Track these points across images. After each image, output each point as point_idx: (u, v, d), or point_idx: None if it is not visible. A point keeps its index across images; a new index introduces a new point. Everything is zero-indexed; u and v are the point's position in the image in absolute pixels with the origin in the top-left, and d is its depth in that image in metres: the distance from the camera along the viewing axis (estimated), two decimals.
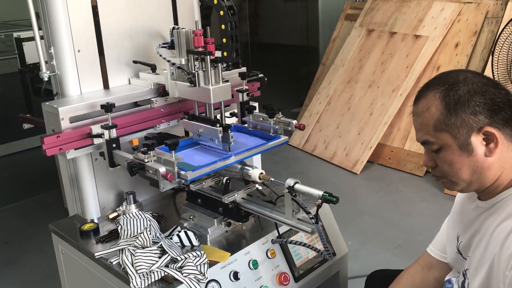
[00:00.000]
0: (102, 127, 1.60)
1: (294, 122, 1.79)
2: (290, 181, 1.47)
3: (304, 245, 1.65)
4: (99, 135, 1.61)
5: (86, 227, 1.77)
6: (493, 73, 3.48)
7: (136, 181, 1.90)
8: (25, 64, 2.95)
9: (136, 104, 1.81)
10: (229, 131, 1.61)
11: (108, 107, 1.58)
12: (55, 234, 1.83)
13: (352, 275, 2.64)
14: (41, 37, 1.73)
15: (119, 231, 1.68)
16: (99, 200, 1.84)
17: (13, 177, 4.49)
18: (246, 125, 1.88)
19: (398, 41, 4.59)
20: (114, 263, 1.56)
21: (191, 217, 1.76)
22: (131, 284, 1.45)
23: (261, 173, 1.57)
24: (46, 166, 4.01)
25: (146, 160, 1.52)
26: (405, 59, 4.45)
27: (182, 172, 1.51)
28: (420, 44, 4.39)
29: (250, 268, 1.61)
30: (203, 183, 1.73)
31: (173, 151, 1.51)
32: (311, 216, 1.43)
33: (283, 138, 1.78)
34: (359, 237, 3.25)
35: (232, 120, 1.95)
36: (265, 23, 8.83)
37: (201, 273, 1.49)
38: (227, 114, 2.08)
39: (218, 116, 1.71)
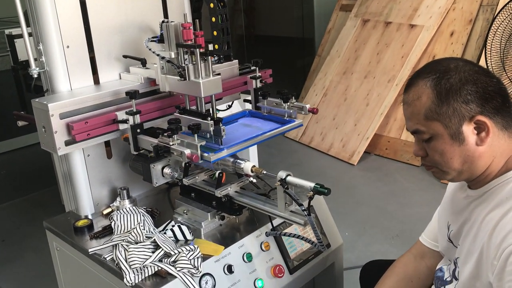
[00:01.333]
0: (127, 113, 1.64)
1: (308, 106, 1.82)
2: (282, 174, 1.46)
3: (298, 237, 1.65)
4: (125, 121, 1.66)
5: (80, 223, 1.77)
6: (486, 61, 3.47)
7: (130, 176, 1.90)
8: (18, 61, 2.92)
9: (155, 92, 1.83)
10: (221, 125, 1.61)
11: (133, 94, 1.62)
12: (49, 231, 1.83)
13: (350, 265, 2.65)
14: (30, 34, 1.72)
15: (113, 226, 1.67)
16: (92, 196, 1.84)
17: (9, 175, 4.49)
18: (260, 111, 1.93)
19: (393, 31, 4.58)
20: (108, 258, 1.56)
21: (185, 211, 1.75)
22: (124, 280, 1.45)
23: (253, 166, 1.56)
24: (42, 163, 4.01)
25: (171, 143, 1.54)
26: (400, 49, 4.43)
27: (205, 154, 1.53)
28: (415, 33, 4.38)
29: (244, 261, 1.61)
30: (196, 177, 1.72)
31: (195, 134, 1.53)
32: (303, 208, 1.43)
33: (298, 121, 1.82)
34: (356, 227, 3.26)
35: (226, 113, 1.95)
36: (260, 15, 8.79)
37: (195, 267, 1.48)
38: (224, 106, 2.07)
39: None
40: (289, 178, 1.45)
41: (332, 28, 5.50)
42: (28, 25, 1.71)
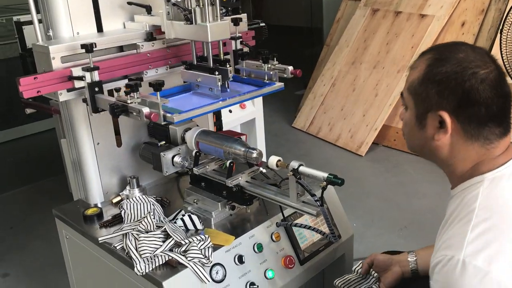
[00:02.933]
0: (83, 69, 1.52)
1: (290, 68, 1.73)
2: (294, 164, 1.45)
3: (309, 228, 1.64)
4: (80, 78, 1.52)
5: (90, 211, 1.76)
6: (501, 51, 3.42)
7: (140, 165, 1.89)
8: (26, 48, 2.91)
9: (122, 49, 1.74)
10: (228, 65, 1.56)
11: (88, 47, 1.49)
12: (58, 219, 1.83)
13: (357, 257, 2.64)
14: (39, 21, 1.69)
15: (123, 215, 1.66)
16: (102, 185, 1.83)
17: (17, 162, 4.49)
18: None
19: (403, 21, 4.51)
20: (118, 247, 1.55)
21: (195, 201, 1.74)
22: (135, 269, 1.44)
23: (279, 160, 1.53)
24: (50, 151, 4.01)
25: (129, 102, 1.44)
26: (410, 39, 4.38)
27: (168, 115, 1.45)
28: (426, 23, 4.31)
29: (255, 252, 1.60)
30: (207, 167, 1.71)
31: (158, 92, 1.43)
32: (316, 199, 1.41)
33: (278, 84, 1.71)
34: (365, 219, 3.24)
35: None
36: (269, 4, 8.72)
37: (206, 257, 1.47)
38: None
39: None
40: (302, 168, 1.44)
41: (341, 18, 5.44)
42: (37, 11, 1.68)
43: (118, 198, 1.83)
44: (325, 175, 1.38)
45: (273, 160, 1.53)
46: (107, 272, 1.63)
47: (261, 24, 1.93)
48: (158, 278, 1.41)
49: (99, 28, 1.75)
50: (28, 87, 1.44)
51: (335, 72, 4.87)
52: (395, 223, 3.17)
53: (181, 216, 1.65)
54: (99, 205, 1.82)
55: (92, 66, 1.51)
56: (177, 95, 1.69)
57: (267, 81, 1.71)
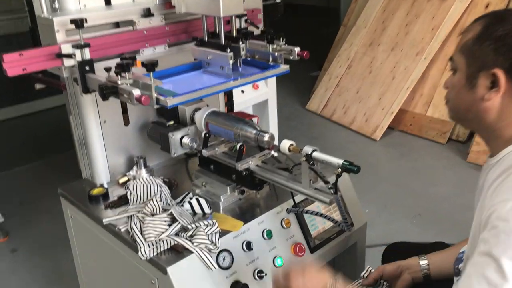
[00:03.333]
0: (73, 46, 1.44)
1: (297, 49, 1.63)
2: (307, 149, 1.37)
3: (321, 215, 1.57)
4: (69, 55, 1.43)
5: (95, 191, 1.72)
6: None
7: (147, 145, 1.83)
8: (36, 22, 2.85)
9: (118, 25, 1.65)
10: (240, 43, 1.47)
11: (78, 23, 1.39)
12: (64, 198, 1.78)
13: (369, 243, 2.58)
14: None
15: (128, 196, 1.61)
16: (108, 164, 1.77)
17: (28, 138, 4.48)
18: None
19: (424, 2, 4.36)
20: (122, 230, 1.50)
21: (203, 183, 1.68)
22: (139, 253, 1.39)
23: (291, 144, 1.45)
24: (60, 127, 3.97)
25: (119, 82, 1.35)
26: (430, 21, 4.23)
27: (161, 98, 1.36)
28: (448, 5, 4.16)
29: (264, 238, 1.54)
30: (216, 149, 1.64)
31: (151, 73, 1.34)
32: (329, 186, 1.34)
33: (283, 67, 1.61)
34: (377, 205, 3.17)
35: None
36: None
37: (213, 242, 1.42)
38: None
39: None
40: (316, 154, 1.36)
41: None
42: None
43: (125, 179, 1.78)
44: (340, 161, 1.31)
45: (286, 144, 1.46)
46: (111, 255, 1.59)
47: (277, 1, 1.83)
48: (162, 263, 1.36)
49: (107, 1, 1.68)
50: (12, 64, 1.37)
51: (351, 53, 4.75)
52: (409, 210, 3.09)
53: (189, 199, 1.59)
54: (105, 185, 1.77)
55: (82, 43, 1.42)
56: (186, 73, 1.62)
57: (272, 63, 1.61)
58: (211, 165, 1.68)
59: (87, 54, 1.44)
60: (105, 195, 1.71)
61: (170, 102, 1.34)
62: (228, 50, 1.44)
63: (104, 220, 1.54)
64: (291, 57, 1.62)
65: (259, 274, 1.48)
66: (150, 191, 1.62)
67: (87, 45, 1.43)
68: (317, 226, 1.67)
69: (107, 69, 1.39)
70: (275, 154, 1.75)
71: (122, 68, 1.34)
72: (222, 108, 2.05)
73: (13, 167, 3.88)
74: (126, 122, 1.79)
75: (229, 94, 2.09)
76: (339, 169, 1.30)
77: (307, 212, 1.58)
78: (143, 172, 1.74)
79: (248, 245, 1.48)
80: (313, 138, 4.26)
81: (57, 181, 1.86)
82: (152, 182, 1.66)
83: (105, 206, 1.65)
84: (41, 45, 1.52)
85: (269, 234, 1.54)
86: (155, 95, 1.33)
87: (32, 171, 3.86)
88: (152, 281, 1.42)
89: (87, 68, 1.44)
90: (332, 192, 1.34)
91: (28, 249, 2.89)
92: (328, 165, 1.35)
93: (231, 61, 1.44)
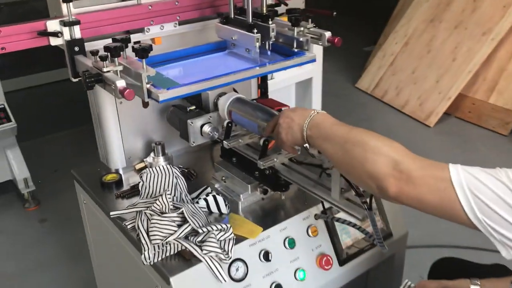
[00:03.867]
0: (60, 23, 1.25)
1: (328, 34, 1.37)
2: None
3: (354, 226, 1.36)
4: (55, 34, 1.25)
5: (108, 178, 1.58)
6: None
7: (168, 129, 1.67)
8: None
9: None
10: (270, 22, 1.25)
11: None
12: (77, 182, 1.66)
13: (411, 244, 2.35)
14: None
15: (140, 188, 1.46)
16: (124, 149, 1.63)
17: (66, 103, 4.43)
18: None
19: None
20: (129, 226, 1.36)
21: (223, 178, 1.51)
22: (142, 256, 1.24)
23: None
24: None
25: (105, 70, 1.15)
26: None
27: (153, 90, 1.16)
28: None
29: (285, 247, 1.35)
30: (240, 140, 1.45)
31: (143, 60, 1.13)
32: (363, 200, 1.13)
33: (308, 55, 1.37)
34: None
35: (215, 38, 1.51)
36: None
37: (225, 251, 1.25)
38: None
39: None
40: None
41: None
42: None
43: (142, 165, 1.64)
44: None
45: None
46: (118, 249, 1.45)
47: None
48: (166, 271, 1.20)
49: None
50: None
51: (410, 29, 4.37)
52: None
53: (205, 196, 1.43)
54: (120, 171, 1.63)
55: (71, 20, 1.24)
56: (208, 55, 1.42)
57: (296, 50, 1.37)
58: (234, 158, 1.50)
59: (77, 32, 1.25)
60: (119, 183, 1.57)
61: (162, 96, 1.14)
62: (255, 30, 1.23)
63: (111, 213, 1.41)
64: (320, 43, 1.38)
65: None
66: (164, 183, 1.46)
67: (76, 22, 1.25)
68: (349, 235, 1.47)
69: (93, 53, 1.19)
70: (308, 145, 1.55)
71: (110, 52, 1.14)
72: (254, 91, 1.84)
73: (49, 133, 3.86)
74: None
75: (263, 76, 1.88)
76: None
77: (338, 220, 1.38)
78: (161, 160, 1.59)
79: (266, 256, 1.30)
80: (361, 120, 3.97)
81: (93, 150, 1.73)
82: (168, 172, 1.49)
83: (116, 195, 1.52)
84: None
85: (292, 243, 1.35)
86: (146, 86, 1.13)
87: (69, 138, 3.82)
88: (156, 287, 1.27)
89: (76, 49, 1.26)
90: (366, 207, 1.13)
91: (56, 221, 2.86)
92: None
93: (257, 44, 1.23)
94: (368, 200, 1.13)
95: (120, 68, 1.16)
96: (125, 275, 1.53)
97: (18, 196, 3.00)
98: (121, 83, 1.09)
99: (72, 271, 2.46)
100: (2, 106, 2.82)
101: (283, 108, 1.48)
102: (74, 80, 1.29)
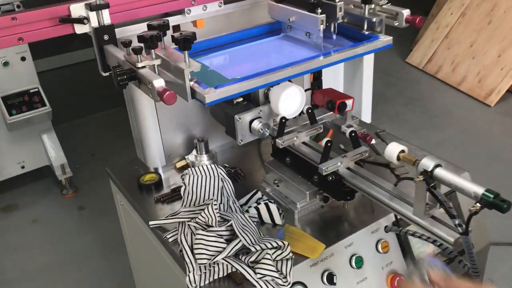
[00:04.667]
0: (86, 6, 1.07)
1: (406, 12, 1.15)
2: (427, 163, 0.94)
3: (434, 242, 1.14)
4: (81, 20, 1.07)
5: (146, 178, 1.42)
6: None
7: (212, 124, 1.48)
8: None
9: None
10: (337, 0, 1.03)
11: None
12: (112, 181, 1.50)
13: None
14: None
15: (182, 193, 1.29)
16: (163, 146, 1.45)
17: (102, 83, 4.31)
18: None
19: None
20: (170, 239, 1.19)
21: (276, 181, 1.31)
22: (186, 279, 1.07)
23: (402, 151, 1.03)
24: None
25: (139, 65, 0.96)
26: None
27: (198, 89, 0.96)
28: None
29: (352, 267, 1.16)
30: (295, 138, 1.25)
31: (186, 51, 0.93)
32: (457, 222, 0.91)
33: (383, 39, 1.15)
34: (489, 187, 2.62)
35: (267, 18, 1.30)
36: None
37: (282, 274, 1.06)
38: None
39: None
40: (439, 172, 0.93)
41: None
42: None
43: (183, 163, 1.46)
44: (480, 191, 0.87)
45: (394, 150, 1.03)
46: (158, 260, 1.29)
47: None
48: None
49: None
50: (3, 32, 1.01)
51: None
52: None
53: (256, 204, 1.24)
54: (160, 171, 1.46)
55: (98, 3, 1.04)
56: (259, 40, 1.20)
57: (367, 32, 1.13)
58: (287, 158, 1.30)
59: (105, 17, 1.05)
60: (158, 184, 1.40)
61: (209, 97, 0.94)
62: (319, 10, 1.00)
63: (150, 223, 1.24)
64: (396, 23, 1.14)
65: None
66: (209, 187, 1.28)
67: (104, 5, 1.05)
68: (425, 250, 1.25)
69: (125, 44, 0.99)
70: (373, 142, 1.33)
71: (145, 42, 0.94)
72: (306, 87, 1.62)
73: (85, 115, 3.74)
74: None
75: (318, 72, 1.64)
76: (477, 205, 0.86)
77: (414, 234, 1.16)
78: (204, 159, 1.41)
79: (330, 278, 1.11)
80: (412, 98, 3.68)
81: (131, 132, 1.57)
82: (213, 174, 1.31)
83: (156, 199, 1.35)
84: None
85: (359, 262, 1.15)
86: (189, 85, 0.93)
87: (106, 119, 3.70)
88: None
89: (105, 37, 1.06)
90: (461, 230, 0.91)
91: (94, 209, 2.75)
92: (457, 191, 0.91)
93: (322, 27, 1.00)
94: (463, 222, 0.91)
95: (157, 62, 0.96)
96: (165, 285, 1.37)
97: (55, 182, 2.91)
98: (159, 83, 0.89)
99: (110, 263, 2.35)
100: (36, 89, 2.70)
101: (346, 101, 1.26)
102: (104, 74, 1.10)
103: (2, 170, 2.78)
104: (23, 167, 2.84)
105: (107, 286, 2.23)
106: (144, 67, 0.95)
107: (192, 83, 0.95)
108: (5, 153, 2.75)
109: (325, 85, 1.53)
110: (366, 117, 3.18)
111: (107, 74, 1.10)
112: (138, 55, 0.94)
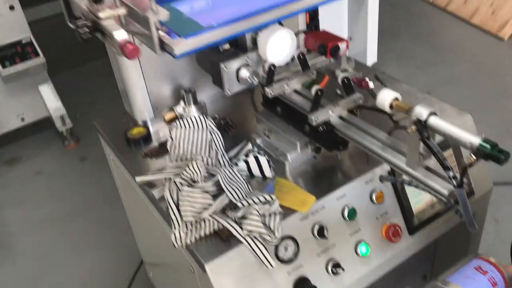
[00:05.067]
0: None
1: None
2: (421, 111, 0.87)
3: (431, 191, 1.09)
4: None
5: (134, 132, 1.37)
6: None
7: (200, 72, 1.40)
8: None
9: None
10: None
11: None
12: (101, 136, 1.46)
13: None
14: None
15: (168, 147, 1.24)
16: (150, 98, 1.39)
17: None
18: None
19: None
20: (157, 196, 1.15)
21: (266, 132, 1.25)
22: (172, 237, 1.04)
23: (396, 98, 0.96)
24: None
25: (101, 15, 0.88)
26: None
27: (168, 41, 0.88)
28: None
29: (344, 219, 1.12)
30: (285, 86, 1.18)
31: None
32: (452, 175, 0.85)
33: None
34: (499, 128, 2.55)
35: None
36: None
37: (270, 229, 1.03)
38: None
39: None
40: (433, 121, 0.86)
41: None
42: None
43: (172, 115, 1.40)
44: (477, 141, 0.80)
45: (386, 97, 0.96)
46: (149, 217, 1.27)
47: None
48: (201, 256, 1.00)
49: None
50: None
51: None
52: None
53: (245, 157, 1.19)
54: (149, 124, 1.41)
55: None
56: None
57: None
58: (278, 107, 1.24)
59: None
60: (147, 138, 1.35)
61: (179, 48, 0.86)
62: None
63: (136, 179, 1.20)
64: None
65: (334, 269, 1.09)
66: (196, 141, 1.23)
67: None
68: (421, 199, 1.21)
69: None
70: (371, 85, 1.25)
71: None
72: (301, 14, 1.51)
73: (84, 63, 3.65)
74: None
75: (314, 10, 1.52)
76: (472, 157, 0.80)
77: (410, 183, 1.11)
78: (193, 110, 1.35)
79: (321, 231, 1.07)
80: (421, 33, 3.52)
81: None
82: (202, 126, 1.26)
83: (143, 154, 1.30)
84: None
85: (352, 214, 1.11)
86: (157, 35, 0.85)
87: (105, 67, 3.59)
88: (191, 268, 1.09)
89: None
90: (455, 184, 0.85)
91: (96, 159, 2.72)
92: (453, 141, 0.85)
93: None
94: (458, 175, 0.85)
95: (122, 11, 0.88)
96: (161, 246, 1.36)
97: (56, 133, 2.89)
98: (120, 35, 0.81)
99: (112, 214, 2.36)
100: (29, 39, 2.62)
101: (339, 43, 1.17)
102: (72, 26, 1.02)
103: (2, 123, 2.76)
104: (23, 120, 2.81)
105: (110, 238, 2.24)
106: (109, 18, 0.87)
107: (162, 33, 0.87)
108: (3, 106, 2.72)
109: (327, 24, 1.43)
110: (372, 54, 3.05)
111: (75, 25, 1.02)
112: (99, 4, 0.86)
